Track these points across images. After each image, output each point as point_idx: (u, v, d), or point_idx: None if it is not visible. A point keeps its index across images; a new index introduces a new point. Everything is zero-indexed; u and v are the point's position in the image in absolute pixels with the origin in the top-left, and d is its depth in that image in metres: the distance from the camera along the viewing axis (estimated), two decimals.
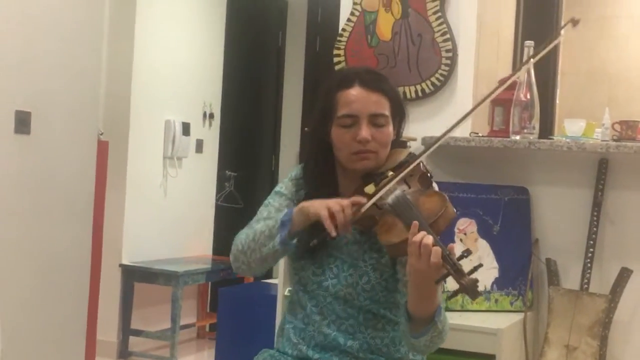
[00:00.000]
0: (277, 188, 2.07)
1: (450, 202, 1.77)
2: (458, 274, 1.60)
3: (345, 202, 1.80)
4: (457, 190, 2.87)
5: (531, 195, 2.95)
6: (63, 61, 3.48)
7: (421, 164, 1.88)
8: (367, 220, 1.82)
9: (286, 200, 2.01)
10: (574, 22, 1.93)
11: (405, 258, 1.77)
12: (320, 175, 1.98)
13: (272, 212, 1.98)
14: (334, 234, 1.77)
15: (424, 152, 1.90)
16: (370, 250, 1.91)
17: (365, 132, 1.89)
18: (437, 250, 1.64)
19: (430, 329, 1.73)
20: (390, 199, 1.79)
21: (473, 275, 1.62)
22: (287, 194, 2.03)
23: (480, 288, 2.80)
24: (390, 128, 1.94)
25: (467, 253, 1.65)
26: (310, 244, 1.85)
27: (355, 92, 1.92)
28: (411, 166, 1.84)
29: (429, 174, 1.87)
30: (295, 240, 1.87)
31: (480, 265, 1.65)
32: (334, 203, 1.79)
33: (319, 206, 1.80)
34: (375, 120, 1.91)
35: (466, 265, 1.65)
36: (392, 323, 1.93)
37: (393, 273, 1.90)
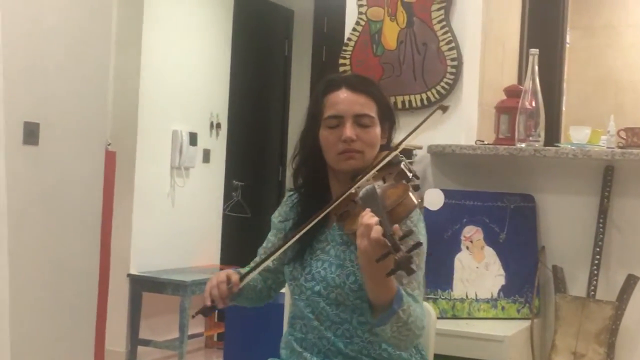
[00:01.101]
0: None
1: (413, 193, 1.81)
2: (396, 251, 1.61)
3: (222, 277, 1.94)
4: (463, 198, 2.88)
5: (537, 203, 2.96)
6: (71, 72, 3.50)
7: (403, 163, 1.90)
8: (345, 216, 1.86)
9: (274, 229, 2.14)
10: (444, 109, 2.01)
11: None
12: (313, 179, 2.03)
13: (262, 249, 2.15)
14: (208, 303, 1.93)
15: (387, 155, 1.93)
16: (356, 249, 1.93)
17: (349, 131, 1.93)
18: (377, 227, 1.66)
19: (391, 317, 1.73)
20: (361, 192, 1.82)
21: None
22: (276, 220, 2.14)
23: (487, 295, 2.83)
24: (377, 130, 1.97)
25: (409, 233, 1.68)
26: (197, 314, 2.00)
27: (341, 94, 1.97)
28: (382, 163, 1.89)
29: (410, 174, 1.88)
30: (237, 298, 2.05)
31: (420, 244, 1.68)
32: (215, 278, 1.95)
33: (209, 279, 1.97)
34: (360, 120, 1.95)
35: None
36: None
37: None
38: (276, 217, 2.14)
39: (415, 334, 1.81)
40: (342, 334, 1.94)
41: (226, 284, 1.91)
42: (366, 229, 1.67)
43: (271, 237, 2.13)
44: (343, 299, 1.93)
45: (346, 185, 1.94)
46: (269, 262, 1.94)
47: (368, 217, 1.69)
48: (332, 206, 1.87)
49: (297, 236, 1.90)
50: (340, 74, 2.14)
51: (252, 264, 2.06)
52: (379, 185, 1.85)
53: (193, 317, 2.04)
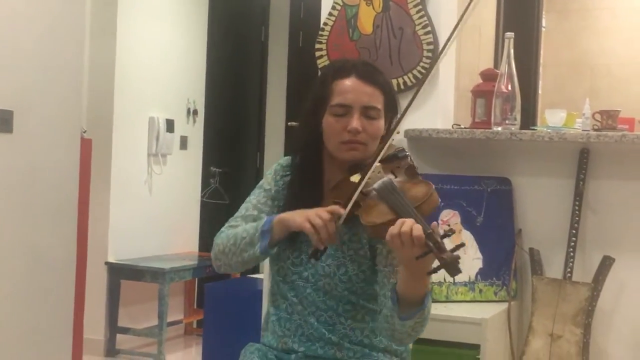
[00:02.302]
0: (261, 181, 2.10)
1: (436, 191, 1.81)
2: (439, 250, 1.62)
3: (326, 215, 1.80)
4: (440, 182, 2.89)
5: (514, 186, 2.97)
6: (45, 59, 3.47)
7: (409, 157, 1.90)
8: (353, 208, 1.84)
9: (265, 193, 2.04)
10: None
11: (386, 249, 1.80)
12: (308, 163, 2.00)
13: (249, 209, 2.02)
14: (322, 247, 1.82)
15: (388, 136, 1.92)
16: (350, 241, 1.93)
17: (356, 122, 1.91)
18: (418, 226, 1.65)
19: (419, 311, 1.74)
20: (376, 185, 1.82)
21: (455, 253, 1.63)
22: (268, 186, 2.06)
23: (465, 279, 2.85)
24: (382, 122, 1.96)
25: (450, 232, 1.68)
26: (310, 259, 1.89)
27: (350, 82, 1.94)
28: (386, 146, 1.87)
29: (416, 169, 1.88)
30: (275, 249, 1.91)
31: (463, 245, 1.67)
32: (315, 217, 1.80)
33: (301, 220, 1.82)
34: (367, 112, 1.93)
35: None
36: (371, 313, 1.94)
37: (372, 265, 1.91)
38: (266, 186, 2.06)
39: (423, 329, 1.83)
40: (325, 320, 1.94)
41: (333, 220, 1.80)
42: (405, 237, 1.65)
43: (258, 205, 2.03)
44: (331, 288, 1.92)
45: (341, 172, 1.93)
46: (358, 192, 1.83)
47: (399, 224, 1.67)
48: (352, 201, 1.82)
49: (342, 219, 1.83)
50: (350, 59, 2.10)
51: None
52: (394, 180, 1.84)
53: (310, 260, 1.88)
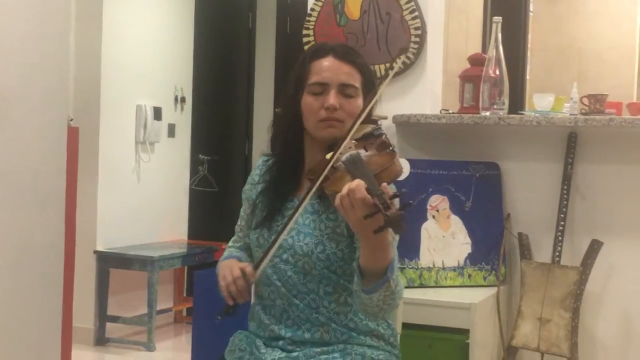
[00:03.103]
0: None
1: (398, 160, 1.81)
2: (385, 208, 1.61)
3: (237, 272, 1.90)
4: (428, 167, 2.89)
5: (502, 171, 2.98)
6: (30, 47, 3.44)
7: (384, 135, 1.90)
8: (323, 182, 1.85)
9: (246, 201, 2.11)
10: (404, 51, 2.03)
11: None
12: (289, 147, 2.01)
13: (237, 226, 2.15)
14: (230, 303, 1.91)
15: (363, 111, 1.92)
16: (327, 220, 1.93)
17: (333, 99, 1.92)
18: (360, 184, 1.65)
19: (383, 284, 1.73)
20: (344, 157, 1.83)
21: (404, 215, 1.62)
22: (248, 191, 2.10)
23: (454, 264, 2.85)
24: (360, 101, 1.97)
25: (399, 193, 1.68)
26: (218, 316, 1.97)
27: (327, 62, 1.96)
28: (357, 122, 1.87)
29: (390, 146, 1.88)
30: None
31: (410, 204, 1.66)
32: (228, 273, 1.91)
33: (220, 276, 1.95)
34: (344, 90, 1.94)
35: None
36: (353, 295, 1.94)
37: (350, 243, 1.91)
38: (247, 191, 2.11)
39: (396, 304, 1.82)
40: (309, 303, 1.94)
41: (242, 278, 1.89)
42: (351, 193, 1.66)
43: (242, 214, 2.11)
44: (310, 267, 1.93)
45: (321, 154, 1.93)
46: (279, 241, 1.89)
47: (347, 186, 1.68)
48: (323, 175, 1.83)
49: (300, 208, 1.86)
50: (327, 42, 2.11)
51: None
52: (362, 153, 1.85)
53: (219, 319, 1.99)
